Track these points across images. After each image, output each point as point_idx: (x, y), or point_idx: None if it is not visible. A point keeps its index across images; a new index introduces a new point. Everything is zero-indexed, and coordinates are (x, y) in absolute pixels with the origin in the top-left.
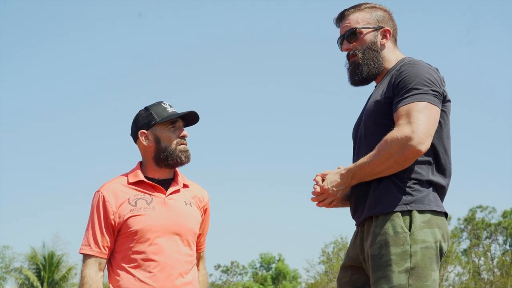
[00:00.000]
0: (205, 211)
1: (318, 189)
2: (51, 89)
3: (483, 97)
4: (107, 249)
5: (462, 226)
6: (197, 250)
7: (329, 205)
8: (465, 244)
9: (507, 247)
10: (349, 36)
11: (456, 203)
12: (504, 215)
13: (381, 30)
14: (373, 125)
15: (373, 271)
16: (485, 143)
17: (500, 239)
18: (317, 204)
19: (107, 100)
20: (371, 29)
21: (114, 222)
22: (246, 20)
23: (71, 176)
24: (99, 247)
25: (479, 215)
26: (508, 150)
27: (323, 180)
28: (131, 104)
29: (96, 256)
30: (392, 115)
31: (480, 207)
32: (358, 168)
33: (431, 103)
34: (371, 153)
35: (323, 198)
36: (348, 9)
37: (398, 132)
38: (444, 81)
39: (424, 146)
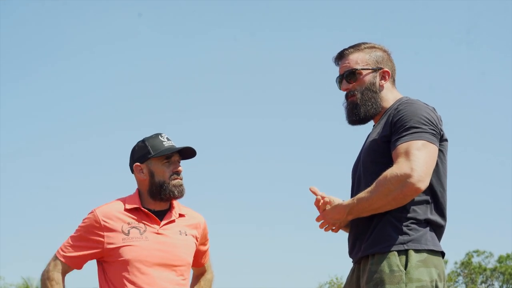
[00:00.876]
0: (202, 236)
1: (319, 198)
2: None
3: (482, 137)
4: (79, 264)
5: (459, 270)
6: (200, 265)
7: (331, 229)
8: None
9: None
10: (348, 76)
11: (453, 246)
12: (500, 260)
13: (380, 71)
14: (371, 164)
15: None
16: (484, 187)
17: (496, 284)
18: (319, 226)
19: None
20: (370, 70)
21: (102, 246)
22: (247, 21)
23: (66, 208)
24: (72, 259)
25: (475, 260)
26: (507, 195)
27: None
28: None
29: (65, 263)
30: (388, 154)
31: (477, 251)
32: (355, 204)
33: (430, 142)
34: (370, 189)
35: (323, 225)
36: (347, 49)
37: (397, 169)
38: (441, 120)
39: (424, 184)
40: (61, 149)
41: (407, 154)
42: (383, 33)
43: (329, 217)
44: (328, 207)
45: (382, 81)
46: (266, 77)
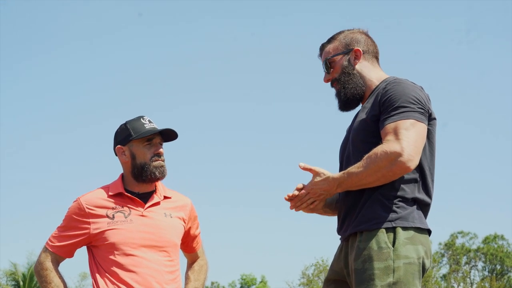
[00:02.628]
0: (190, 218)
1: (297, 192)
2: (44, 96)
3: (483, 107)
4: (69, 252)
5: (443, 251)
6: (192, 250)
7: (307, 208)
8: (445, 269)
9: (486, 273)
10: (326, 68)
11: (437, 227)
12: (486, 240)
13: (351, 52)
14: (361, 143)
15: (356, 285)
16: (471, 169)
17: (480, 265)
18: (293, 207)
19: (99, 112)
20: (341, 55)
21: (88, 232)
22: (247, 20)
23: (53, 193)
24: (62, 248)
25: (460, 241)
26: (492, 177)
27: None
28: (122, 113)
29: (55, 253)
30: (378, 134)
31: (461, 232)
32: (346, 178)
33: (418, 120)
34: (360, 164)
35: (302, 201)
36: (323, 43)
37: (387, 147)
38: (429, 99)
39: (413, 163)
40: (59, 135)
41: (396, 133)
42: (383, 33)
43: (318, 187)
44: (317, 178)
45: (356, 60)
46: (252, 64)
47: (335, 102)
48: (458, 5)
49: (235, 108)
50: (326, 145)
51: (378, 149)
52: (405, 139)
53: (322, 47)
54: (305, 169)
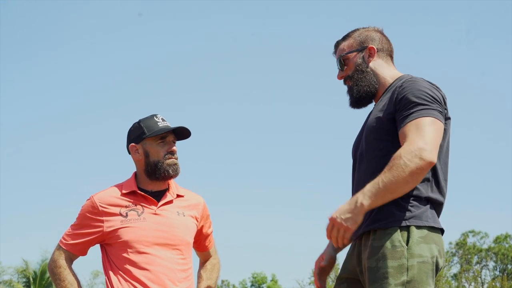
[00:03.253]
0: (202, 217)
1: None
2: (45, 96)
3: (483, 108)
4: (83, 251)
5: (454, 251)
6: (204, 249)
7: (344, 239)
8: (455, 269)
9: (497, 272)
10: (340, 65)
11: (448, 227)
12: (497, 240)
13: (365, 49)
14: (375, 141)
15: (369, 283)
16: (481, 168)
17: (491, 264)
18: (334, 243)
19: (105, 110)
20: (355, 52)
21: (101, 230)
22: (247, 20)
23: (64, 192)
24: (75, 246)
25: (471, 240)
26: (504, 176)
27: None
28: (129, 108)
29: (69, 251)
30: (393, 132)
31: (472, 231)
32: (370, 188)
33: (437, 119)
34: (383, 172)
35: (335, 231)
36: (338, 41)
37: (411, 145)
38: (446, 99)
39: (435, 159)
40: (66, 134)
41: (418, 130)
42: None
43: (338, 210)
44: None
45: (370, 58)
46: (264, 65)
47: (340, 101)
48: (458, 5)
49: (247, 107)
50: (335, 144)
51: (401, 150)
52: (426, 136)
53: (337, 45)
54: None
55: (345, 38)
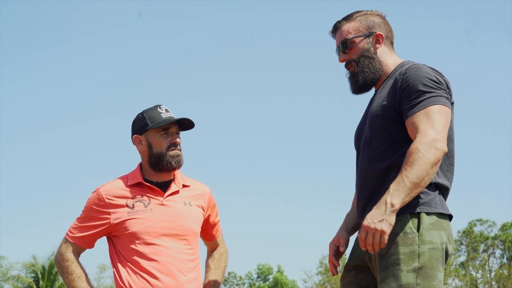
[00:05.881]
0: (209, 206)
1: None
2: (47, 93)
3: (484, 106)
4: (90, 243)
5: (461, 239)
6: (212, 238)
7: (382, 243)
8: (463, 257)
9: (505, 260)
10: (343, 47)
11: (456, 215)
12: (504, 228)
13: (373, 35)
14: (379, 129)
15: (380, 269)
16: (487, 156)
17: (498, 252)
18: (370, 250)
19: (107, 107)
20: (362, 37)
21: (108, 222)
22: (247, 20)
23: (71, 185)
24: (82, 239)
25: (478, 228)
26: (509, 165)
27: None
28: (132, 106)
29: (76, 244)
30: (397, 120)
31: (479, 220)
32: (396, 187)
33: (445, 105)
34: (403, 169)
35: (370, 238)
36: (340, 21)
37: (424, 136)
38: (449, 83)
39: (446, 148)
40: (70, 129)
41: (428, 119)
42: None
43: (369, 217)
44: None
45: (377, 45)
46: (266, 57)
47: (341, 90)
48: (458, 5)
49: (253, 100)
50: (337, 135)
51: (417, 143)
52: (436, 125)
53: (339, 25)
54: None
55: (348, 19)
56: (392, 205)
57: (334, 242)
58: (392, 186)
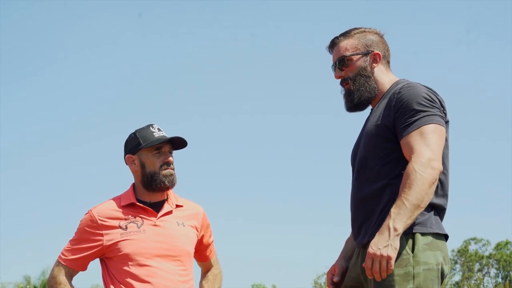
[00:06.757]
0: (203, 226)
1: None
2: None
3: (481, 121)
4: (83, 266)
5: (456, 258)
6: (206, 259)
7: (389, 269)
8: (458, 276)
9: (500, 279)
10: (340, 64)
11: (450, 234)
12: (498, 247)
13: (370, 54)
14: (374, 148)
15: None
16: (482, 176)
17: (492, 271)
18: (378, 278)
19: (98, 128)
20: (360, 55)
21: (101, 244)
22: (247, 20)
23: (64, 207)
24: (75, 262)
25: (473, 247)
26: (504, 184)
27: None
28: (122, 127)
29: (68, 267)
30: (392, 139)
31: (474, 239)
32: (397, 211)
33: (439, 124)
34: (402, 192)
35: (377, 265)
36: (338, 37)
37: (420, 157)
38: (443, 102)
39: (441, 166)
40: (63, 151)
41: (423, 139)
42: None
43: (373, 244)
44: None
45: (374, 64)
46: (262, 76)
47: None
48: (458, 5)
49: (250, 118)
50: (332, 157)
51: (413, 164)
52: (432, 145)
53: (337, 41)
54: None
55: (346, 36)
56: (396, 230)
57: (331, 271)
58: (393, 210)
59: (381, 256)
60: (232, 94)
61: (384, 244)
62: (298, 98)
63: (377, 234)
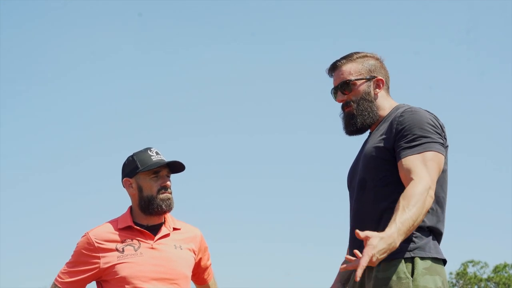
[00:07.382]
0: (200, 249)
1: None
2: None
3: (480, 140)
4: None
5: (454, 281)
6: (203, 282)
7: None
8: None
9: None
10: (343, 88)
11: (449, 257)
12: (496, 269)
13: (374, 80)
14: (374, 170)
15: None
16: (480, 197)
17: None
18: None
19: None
20: (364, 80)
21: (98, 267)
22: (247, 20)
23: (60, 229)
24: (71, 285)
25: (471, 270)
26: (502, 205)
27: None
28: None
29: None
30: (392, 162)
31: (472, 261)
32: (401, 227)
33: (439, 152)
34: (406, 208)
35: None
36: (340, 60)
37: (422, 181)
38: (444, 127)
39: (433, 197)
40: (59, 172)
41: (424, 165)
42: (383, 33)
43: (376, 249)
44: (373, 241)
45: (377, 90)
46: (260, 92)
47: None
48: (458, 5)
49: (249, 138)
50: (329, 178)
51: (414, 187)
52: (430, 171)
53: (339, 64)
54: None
55: (348, 59)
56: (395, 246)
57: None
58: (398, 222)
59: (372, 262)
60: (226, 133)
61: (382, 252)
62: (286, 116)
63: (383, 238)
